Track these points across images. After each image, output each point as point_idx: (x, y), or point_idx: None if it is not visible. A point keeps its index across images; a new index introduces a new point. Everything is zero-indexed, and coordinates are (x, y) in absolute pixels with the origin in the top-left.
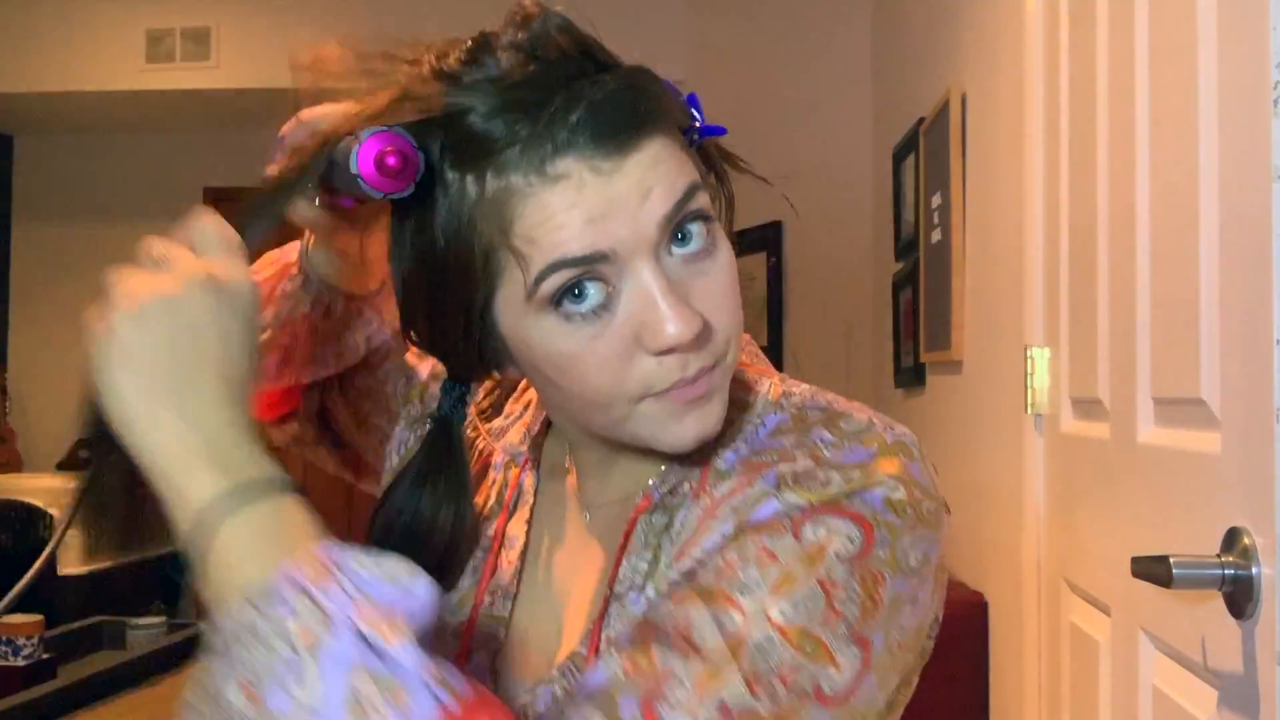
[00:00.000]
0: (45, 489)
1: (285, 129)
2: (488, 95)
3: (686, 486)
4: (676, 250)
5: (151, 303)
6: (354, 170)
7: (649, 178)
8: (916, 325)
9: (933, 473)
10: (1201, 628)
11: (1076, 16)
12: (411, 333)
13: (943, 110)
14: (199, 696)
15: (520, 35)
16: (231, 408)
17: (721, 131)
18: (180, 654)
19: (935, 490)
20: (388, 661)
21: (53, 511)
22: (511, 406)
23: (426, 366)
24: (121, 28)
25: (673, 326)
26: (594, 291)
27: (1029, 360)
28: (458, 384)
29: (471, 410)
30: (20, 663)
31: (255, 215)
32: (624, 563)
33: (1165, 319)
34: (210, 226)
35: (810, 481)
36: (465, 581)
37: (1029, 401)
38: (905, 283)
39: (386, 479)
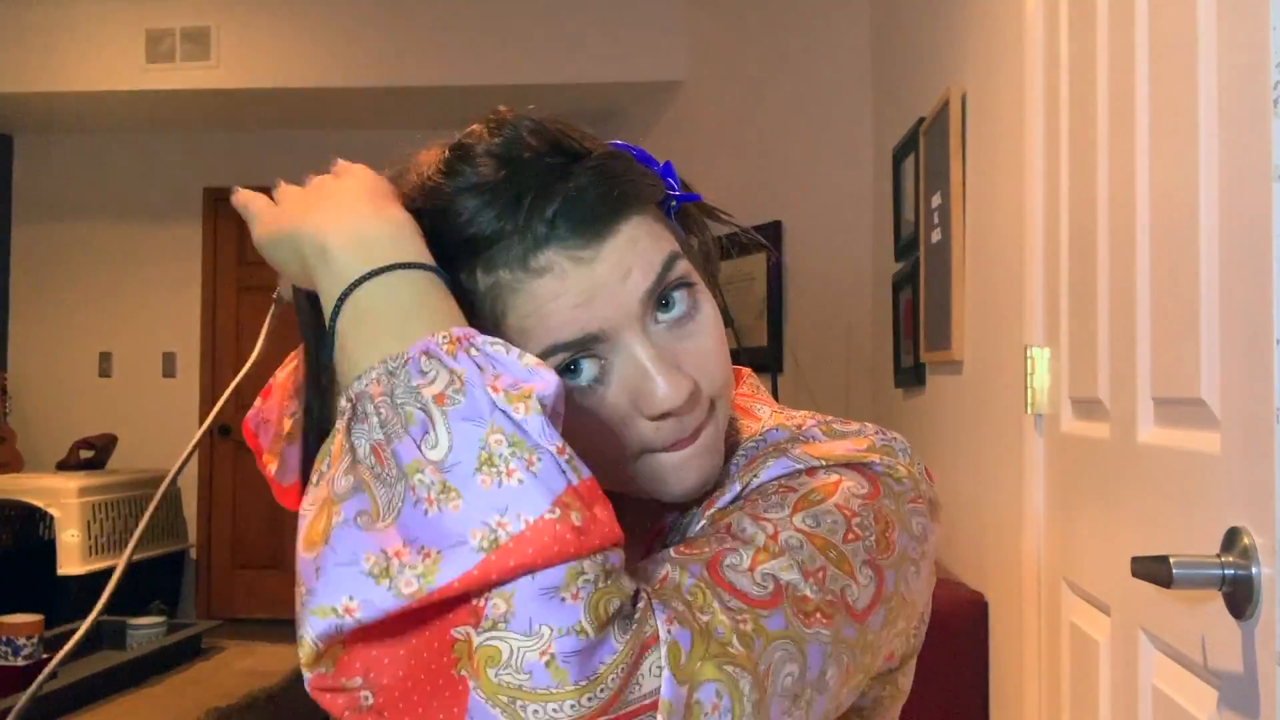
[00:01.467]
0: (45, 489)
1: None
2: (469, 200)
3: (696, 508)
4: (662, 317)
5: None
6: None
7: (627, 258)
8: (916, 325)
9: (922, 474)
10: (1201, 628)
11: (1076, 16)
12: None
13: (943, 110)
14: (327, 457)
15: (495, 141)
16: (395, 214)
17: (696, 199)
18: (180, 654)
19: (927, 487)
20: (519, 427)
21: (53, 512)
22: None
23: None
24: (121, 28)
25: (667, 392)
26: (588, 367)
27: (1029, 360)
28: None
29: None
30: (20, 663)
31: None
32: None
33: (1165, 319)
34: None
35: (811, 448)
36: None
37: (1029, 401)
38: (905, 283)
39: None
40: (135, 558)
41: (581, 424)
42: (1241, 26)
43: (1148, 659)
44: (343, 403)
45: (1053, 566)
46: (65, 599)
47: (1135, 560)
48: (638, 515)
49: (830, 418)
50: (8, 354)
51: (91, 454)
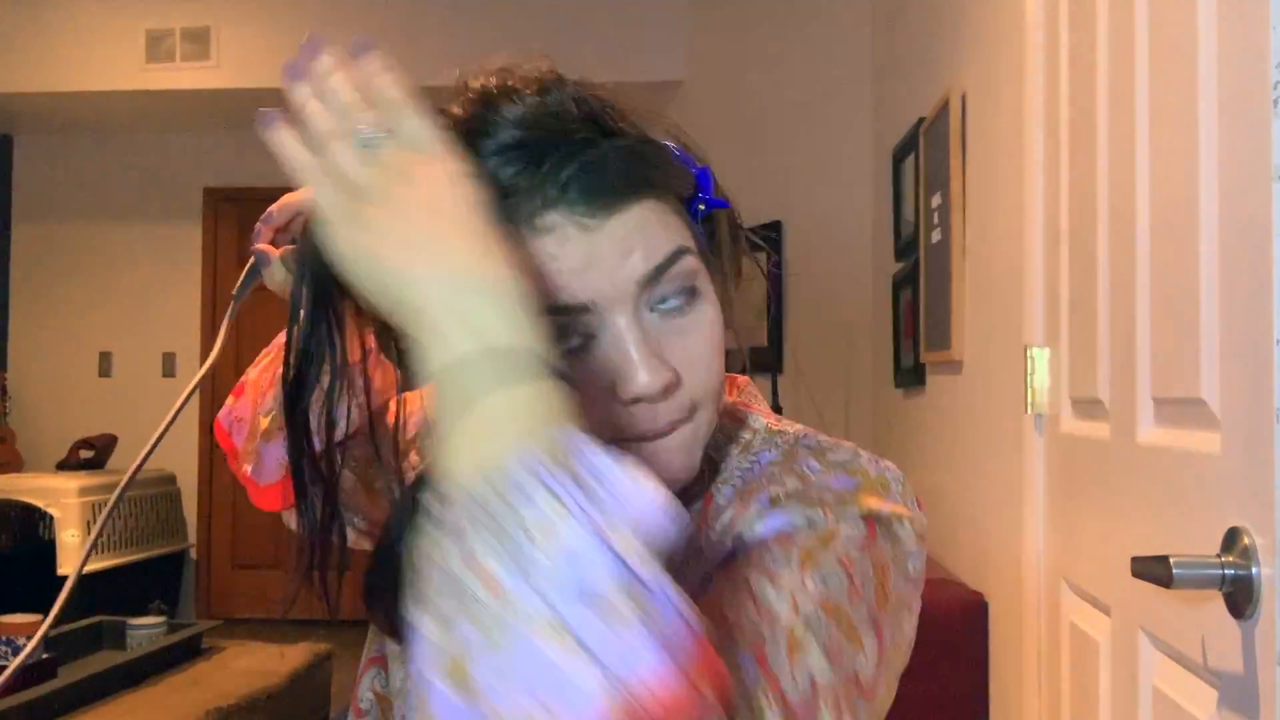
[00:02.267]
0: (45, 489)
1: (274, 208)
2: (495, 151)
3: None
4: (657, 308)
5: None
6: None
7: (632, 238)
8: (916, 325)
9: (913, 504)
10: (1201, 628)
11: (1076, 16)
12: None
13: (943, 110)
14: (426, 568)
15: (536, 100)
16: (500, 270)
17: (724, 205)
18: (180, 654)
19: (920, 523)
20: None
21: (53, 512)
22: None
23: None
24: (121, 28)
25: (644, 377)
26: (572, 335)
27: (1029, 360)
28: None
29: None
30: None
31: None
32: None
33: (1165, 319)
34: (425, 124)
35: (805, 499)
36: None
37: (1029, 401)
38: (905, 283)
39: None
40: (135, 558)
41: None
42: (1241, 26)
43: (1148, 659)
44: (436, 511)
45: (1053, 566)
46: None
47: (1135, 560)
48: None
49: (823, 438)
50: (8, 354)
51: (91, 454)
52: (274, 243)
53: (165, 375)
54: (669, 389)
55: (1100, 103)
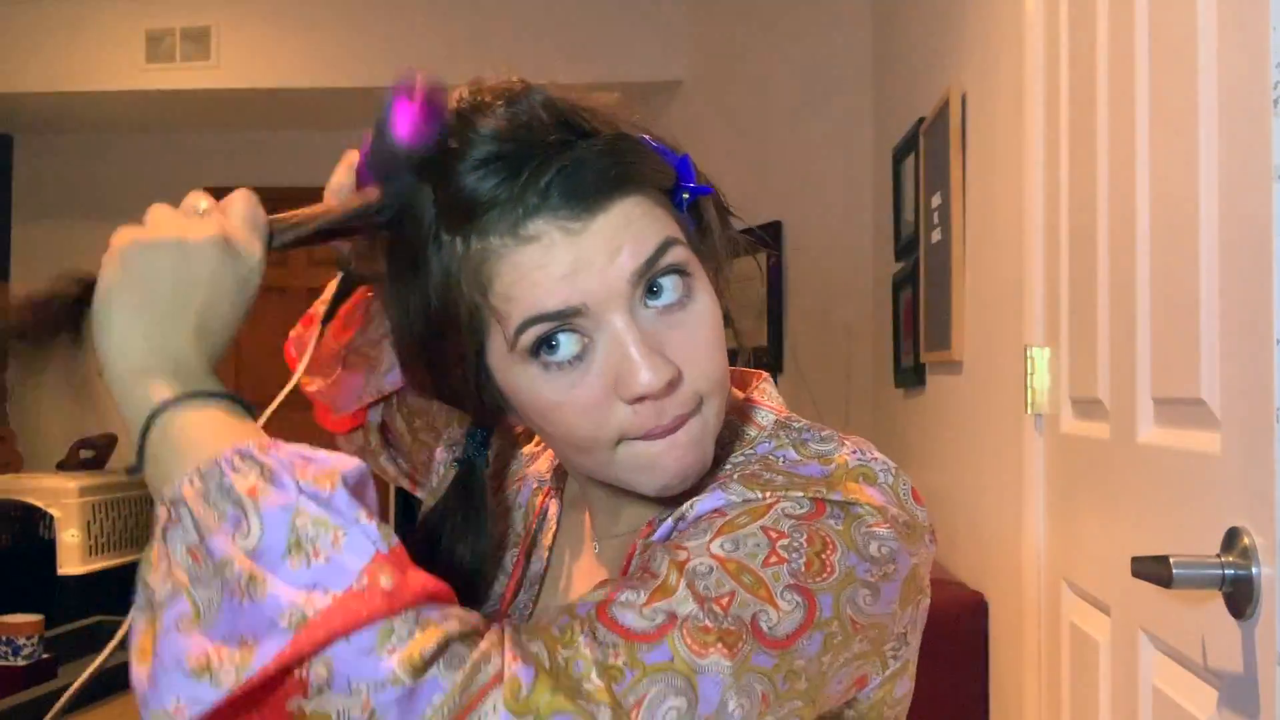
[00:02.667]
0: (45, 489)
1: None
2: (469, 162)
3: (688, 508)
4: (651, 303)
5: (169, 240)
6: (391, 134)
7: (618, 236)
8: (916, 325)
9: (907, 497)
10: (1201, 628)
11: (1076, 16)
12: (418, 383)
13: (943, 110)
14: (148, 565)
15: (505, 112)
16: (200, 346)
17: (707, 191)
18: None
19: (909, 510)
20: (325, 505)
21: (53, 512)
22: None
23: None
24: (121, 28)
25: (645, 375)
26: (568, 343)
27: (1029, 360)
28: (480, 430)
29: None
30: (20, 663)
31: (298, 223)
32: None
33: (1165, 319)
34: (244, 201)
35: (754, 479)
36: (488, 609)
37: (1029, 401)
38: (905, 283)
39: (426, 499)
40: (135, 558)
41: (560, 404)
42: (1241, 26)
43: (1148, 659)
44: (159, 511)
45: (1053, 566)
46: (65, 599)
47: (1135, 560)
48: (631, 517)
49: (821, 433)
50: (8, 354)
51: (91, 454)
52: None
53: None
54: (672, 384)
55: (1100, 103)
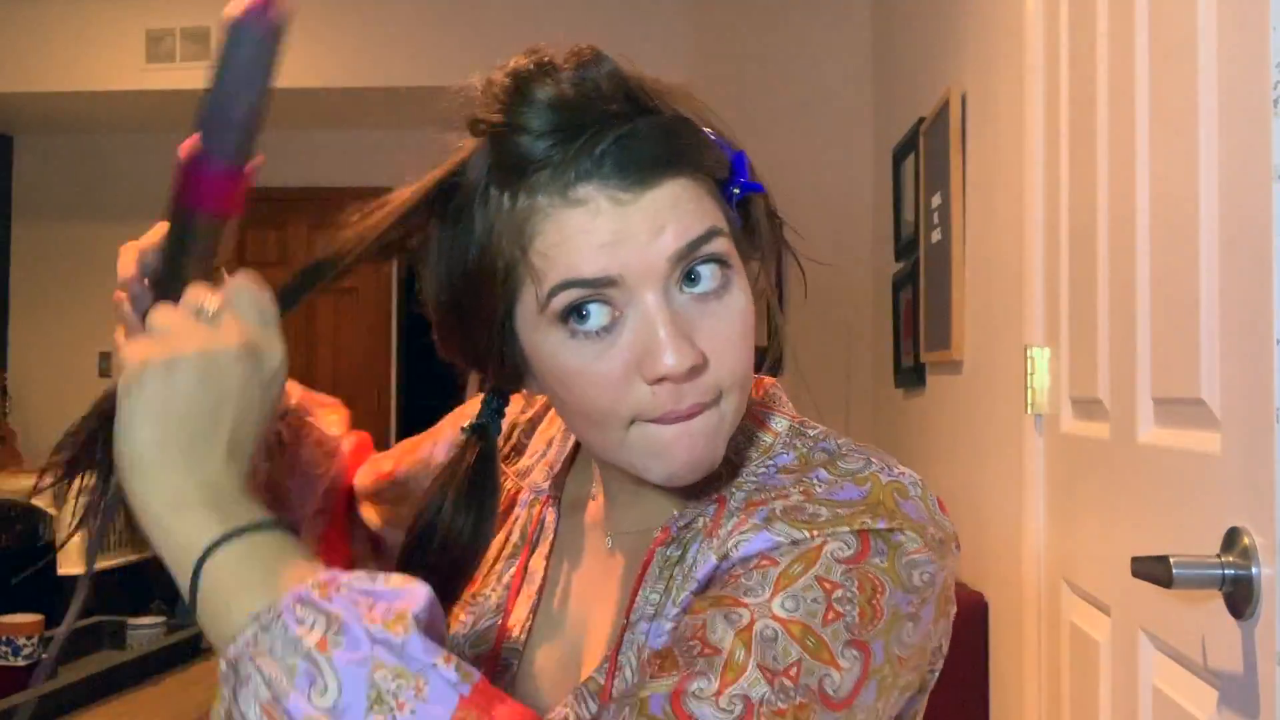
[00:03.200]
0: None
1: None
2: (535, 118)
3: (701, 522)
4: (687, 289)
5: (188, 358)
6: None
7: (664, 215)
8: (916, 325)
9: (935, 509)
10: (1201, 628)
11: (1076, 16)
12: (445, 342)
13: (943, 110)
14: None
15: (571, 76)
16: (234, 468)
17: (759, 189)
18: (180, 654)
19: (940, 523)
20: (400, 654)
21: (52, 511)
22: (535, 444)
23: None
24: (121, 28)
25: (670, 356)
26: (598, 313)
27: (1029, 360)
28: (495, 396)
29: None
30: (20, 663)
31: (303, 282)
32: (639, 593)
33: (1165, 319)
34: (249, 292)
35: (798, 515)
36: (487, 620)
37: (1029, 401)
38: (905, 283)
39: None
40: (135, 558)
41: (581, 372)
42: (1241, 26)
43: (1148, 659)
44: (222, 667)
45: (1053, 566)
46: (65, 599)
47: (1135, 560)
48: (647, 512)
49: (844, 442)
50: (8, 354)
51: None
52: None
53: None
54: (695, 370)
55: (1100, 103)
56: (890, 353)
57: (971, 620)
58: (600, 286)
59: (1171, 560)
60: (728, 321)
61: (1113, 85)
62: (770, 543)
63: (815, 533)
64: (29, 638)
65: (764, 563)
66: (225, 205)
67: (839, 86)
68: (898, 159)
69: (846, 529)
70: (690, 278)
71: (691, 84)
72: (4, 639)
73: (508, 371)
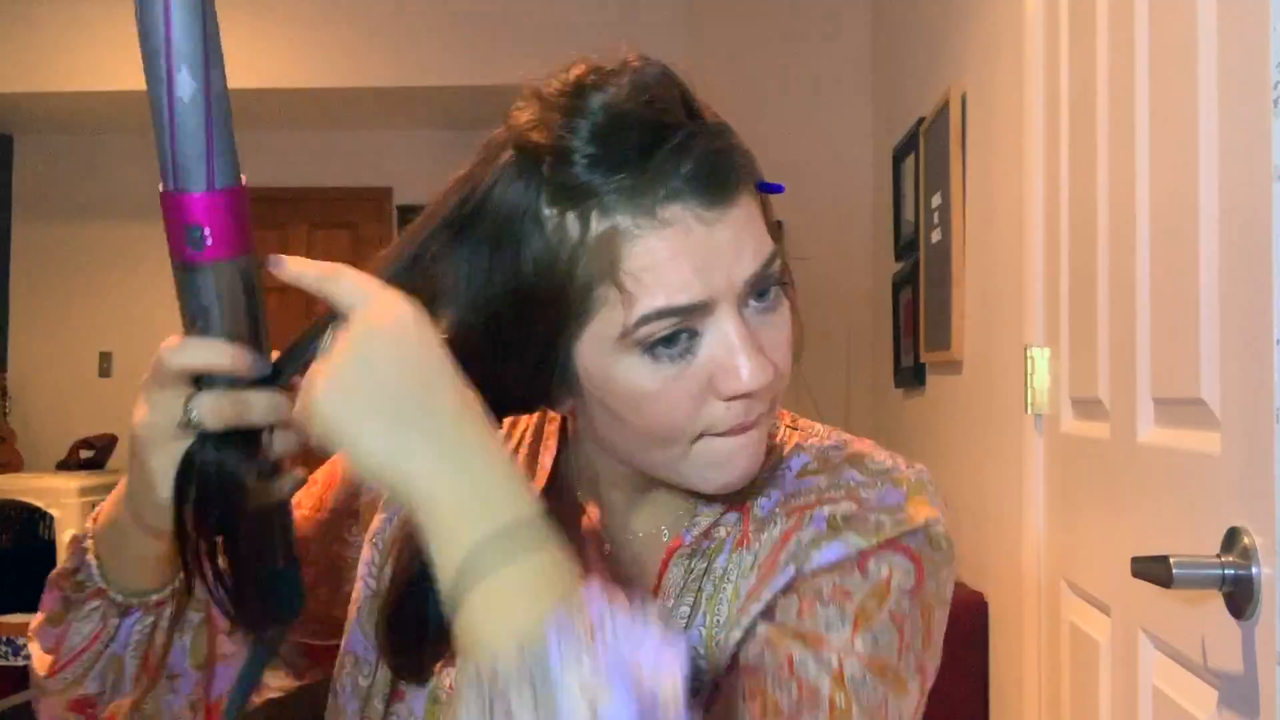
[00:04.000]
0: (45, 489)
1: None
2: (592, 138)
3: (723, 531)
4: (754, 304)
5: (390, 332)
6: None
7: (743, 233)
8: (916, 325)
9: (942, 507)
10: (1201, 628)
11: (1076, 16)
12: (465, 361)
13: (943, 110)
14: None
15: (632, 82)
16: (485, 438)
17: (780, 189)
18: None
19: (946, 526)
20: (663, 716)
21: (53, 512)
22: None
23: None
24: (121, 28)
25: (749, 375)
26: (683, 337)
27: (1029, 360)
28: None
29: None
30: (20, 663)
31: (323, 325)
32: (660, 605)
33: (1165, 319)
34: (347, 280)
35: (863, 524)
36: None
37: (1029, 401)
38: (905, 283)
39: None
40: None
41: (659, 395)
42: (1241, 26)
43: (1148, 659)
44: (470, 670)
45: (1053, 566)
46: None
47: (1135, 560)
48: (648, 518)
49: (846, 438)
50: (8, 354)
51: (91, 454)
52: None
53: None
54: (771, 386)
55: (1100, 103)
56: (890, 353)
57: (971, 620)
58: (692, 313)
59: (1171, 560)
60: (784, 332)
61: (1113, 85)
62: (842, 552)
63: (877, 539)
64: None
65: (838, 595)
66: (227, 246)
67: (839, 86)
68: (898, 159)
69: (903, 557)
70: (760, 294)
71: (690, 84)
72: (4, 639)
73: (541, 393)
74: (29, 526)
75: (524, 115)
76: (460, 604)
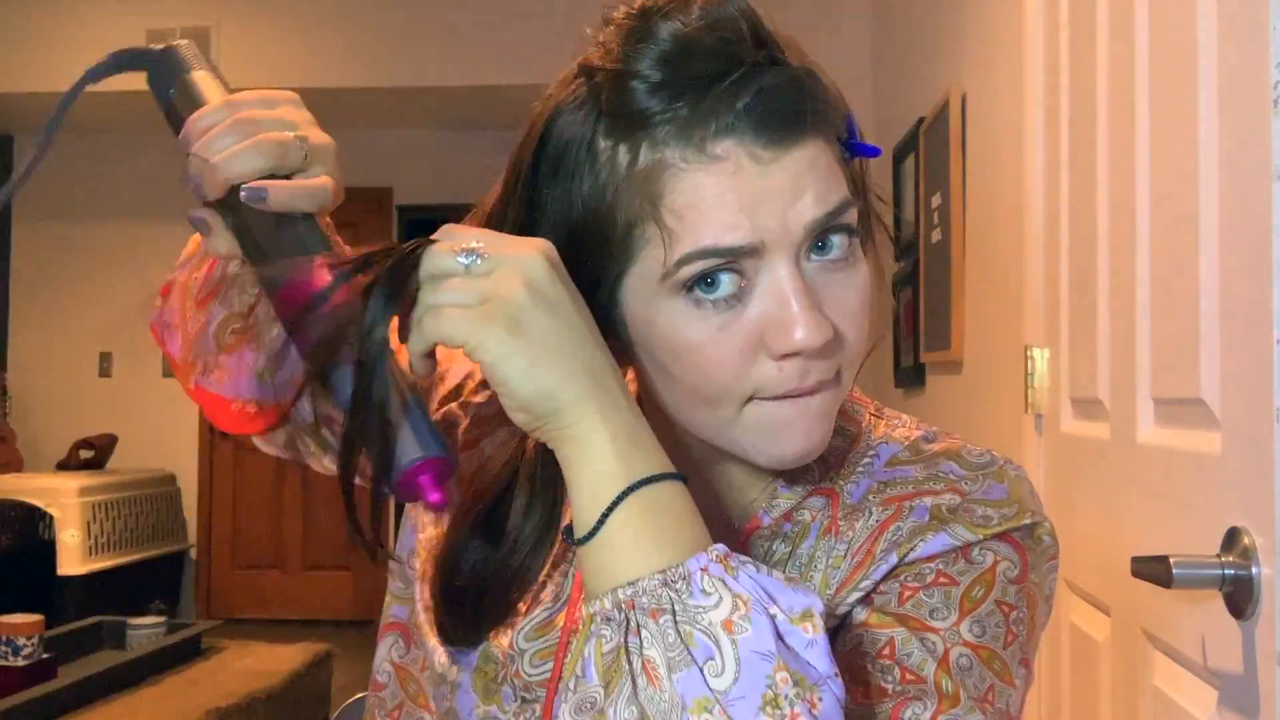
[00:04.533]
0: (45, 489)
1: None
2: (656, 65)
3: (806, 515)
4: (816, 257)
5: (546, 286)
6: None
7: (805, 177)
8: (916, 325)
9: (1037, 497)
10: (1201, 628)
11: (1076, 16)
12: None
13: (943, 110)
14: (588, 667)
15: (703, 13)
16: (627, 390)
17: (876, 152)
18: (180, 654)
19: (1045, 514)
20: (802, 659)
21: (53, 512)
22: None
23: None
24: (121, 28)
25: (801, 331)
26: (727, 281)
27: (1029, 360)
28: None
29: None
30: (20, 663)
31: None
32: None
33: (1165, 319)
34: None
35: (970, 516)
36: (541, 611)
37: (1029, 401)
38: (905, 283)
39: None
40: (135, 558)
41: (703, 346)
42: (1241, 26)
43: (1148, 659)
44: (605, 604)
45: None
46: (65, 599)
47: (1135, 560)
48: (720, 498)
49: (933, 429)
50: (8, 354)
51: (91, 454)
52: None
53: (165, 375)
54: (827, 345)
55: (1100, 103)
56: (890, 353)
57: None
58: (738, 256)
59: (1171, 560)
60: (855, 291)
61: (1113, 85)
62: (947, 543)
63: (985, 534)
64: (29, 638)
65: (942, 580)
66: None
67: (839, 86)
68: (898, 159)
69: (1010, 550)
70: (820, 245)
71: (773, 22)
72: (4, 639)
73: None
74: (29, 526)
75: (594, 41)
76: (599, 541)
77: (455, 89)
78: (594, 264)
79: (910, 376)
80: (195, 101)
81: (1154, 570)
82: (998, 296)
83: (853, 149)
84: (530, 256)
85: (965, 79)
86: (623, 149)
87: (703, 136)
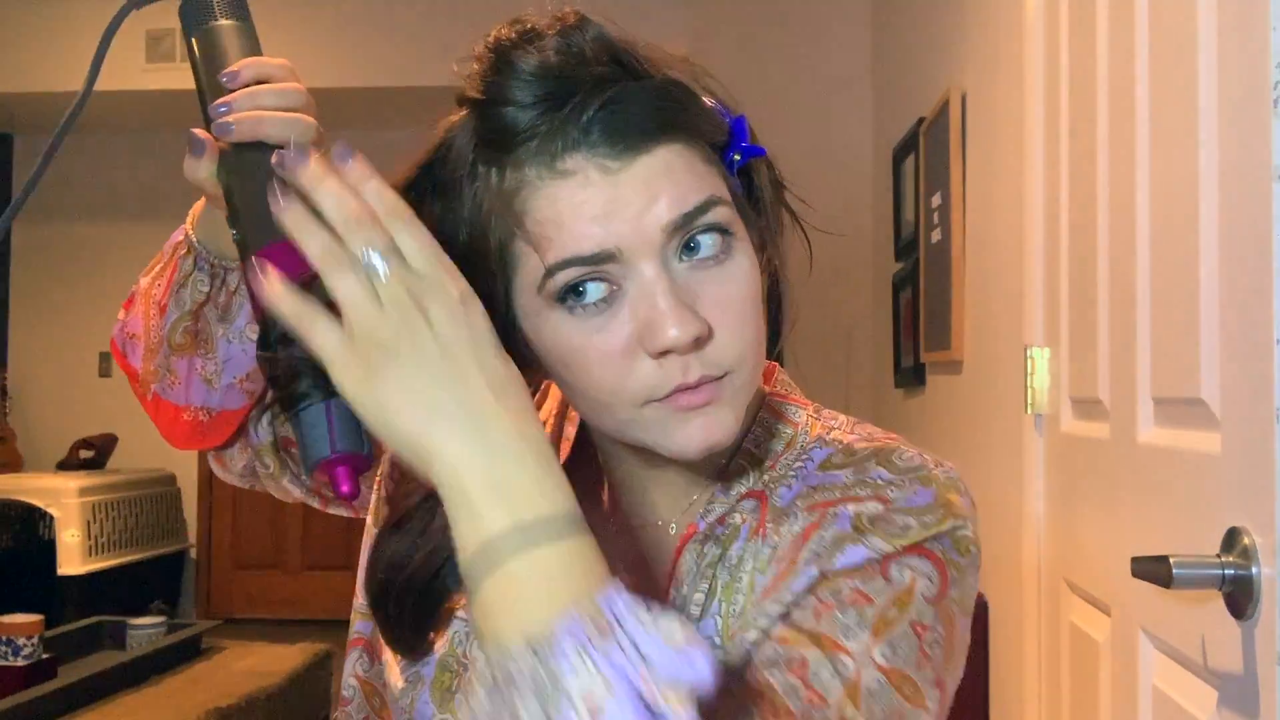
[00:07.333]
0: (45, 489)
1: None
2: (518, 88)
3: (738, 519)
4: (686, 258)
5: (443, 311)
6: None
7: (657, 183)
8: (916, 325)
9: (972, 507)
10: (1201, 628)
11: (1076, 16)
12: None
13: (943, 110)
14: None
15: (554, 42)
16: (524, 423)
17: (760, 152)
18: (180, 654)
19: (975, 527)
20: None
21: (53, 512)
22: None
23: None
24: (122, 28)
25: (673, 328)
26: (594, 289)
27: (1029, 360)
28: None
29: None
30: (20, 663)
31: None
32: (672, 591)
33: (1165, 319)
34: (422, 237)
35: (889, 526)
36: None
37: (1029, 401)
38: (905, 283)
39: (376, 508)
40: (135, 558)
41: (583, 349)
42: (1241, 26)
43: (1148, 659)
44: (480, 663)
45: (1053, 566)
46: (65, 599)
47: (1135, 560)
48: (662, 501)
49: (872, 431)
50: (8, 354)
51: (91, 454)
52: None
53: None
54: (699, 341)
55: (1100, 103)
56: (890, 353)
57: (971, 620)
58: (599, 262)
59: (1171, 560)
60: (730, 287)
61: (1113, 85)
62: (864, 555)
63: (901, 544)
64: (29, 638)
65: (859, 599)
66: None
67: (839, 86)
68: (898, 159)
69: (929, 564)
70: (689, 247)
71: (633, 40)
72: (4, 639)
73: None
74: (29, 526)
75: (464, 75)
76: (476, 590)
77: (455, 89)
78: (484, 282)
79: (910, 377)
80: (219, 50)
81: (1154, 570)
82: (998, 296)
83: (743, 152)
84: (423, 283)
85: (965, 79)
86: (494, 171)
87: (553, 153)
